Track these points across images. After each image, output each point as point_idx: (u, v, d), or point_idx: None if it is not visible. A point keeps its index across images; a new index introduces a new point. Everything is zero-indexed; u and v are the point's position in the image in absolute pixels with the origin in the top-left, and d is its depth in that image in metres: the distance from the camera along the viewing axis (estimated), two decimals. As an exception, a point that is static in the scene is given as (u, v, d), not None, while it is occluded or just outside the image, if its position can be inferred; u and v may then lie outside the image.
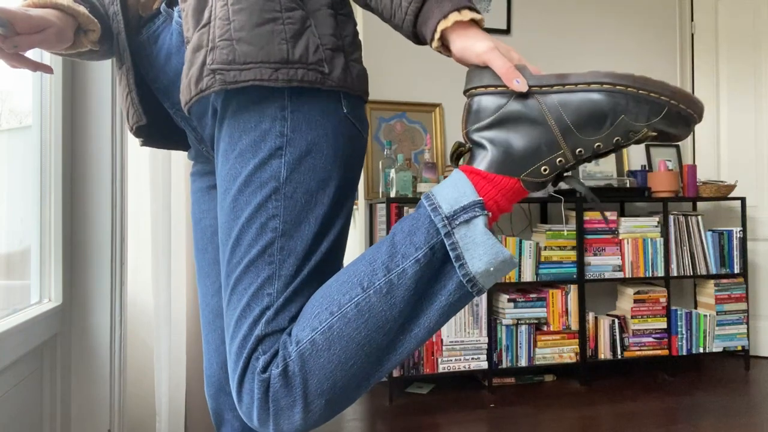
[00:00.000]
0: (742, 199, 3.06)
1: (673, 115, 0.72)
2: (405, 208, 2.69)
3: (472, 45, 0.74)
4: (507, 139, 0.75)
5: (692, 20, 3.49)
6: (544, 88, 0.74)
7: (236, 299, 0.77)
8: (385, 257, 0.75)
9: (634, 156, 3.41)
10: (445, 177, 2.89)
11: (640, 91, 0.71)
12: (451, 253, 0.73)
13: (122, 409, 1.55)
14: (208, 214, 1.01)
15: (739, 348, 3.02)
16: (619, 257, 2.92)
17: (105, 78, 1.49)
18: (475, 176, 0.75)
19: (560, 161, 0.74)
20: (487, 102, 0.76)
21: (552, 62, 3.31)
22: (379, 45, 3.03)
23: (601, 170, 3.31)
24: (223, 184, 0.80)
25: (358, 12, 2.97)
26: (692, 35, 3.50)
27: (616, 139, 0.73)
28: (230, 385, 0.78)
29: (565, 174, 0.77)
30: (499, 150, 0.75)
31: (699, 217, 3.04)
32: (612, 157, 3.34)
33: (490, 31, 3.19)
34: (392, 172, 2.71)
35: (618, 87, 0.71)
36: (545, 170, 0.75)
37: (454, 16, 0.73)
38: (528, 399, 2.62)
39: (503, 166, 0.75)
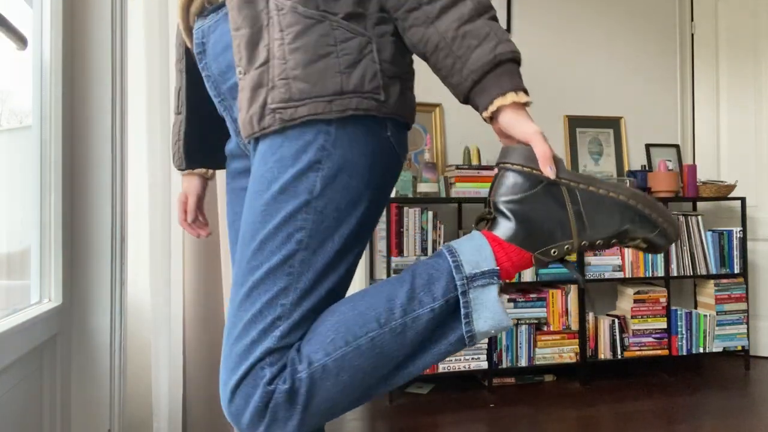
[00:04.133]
0: (742, 199, 3.06)
1: (661, 233, 0.84)
2: (405, 208, 2.69)
3: (522, 124, 0.80)
4: (530, 217, 0.82)
5: (692, 20, 3.49)
6: (572, 183, 0.83)
7: (249, 302, 0.79)
8: (404, 299, 0.79)
9: (634, 156, 3.41)
10: (444, 177, 2.90)
11: (646, 211, 0.83)
12: (462, 309, 0.79)
13: (122, 409, 1.55)
14: (240, 217, 1.01)
15: (739, 348, 3.02)
16: (619, 257, 2.92)
17: (105, 78, 1.49)
18: (497, 246, 0.82)
19: (567, 248, 0.83)
20: (519, 180, 0.82)
21: (552, 62, 3.31)
22: (379, 45, 3.02)
23: (602, 170, 3.31)
24: (255, 185, 0.82)
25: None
26: (692, 35, 3.50)
27: (613, 241, 0.84)
28: (221, 379, 0.79)
29: (566, 258, 0.86)
30: (521, 225, 0.82)
31: (699, 217, 3.03)
32: (612, 157, 3.35)
33: (490, 31, 3.18)
34: (392, 172, 2.71)
35: (631, 202, 0.82)
36: (554, 252, 0.83)
37: (512, 97, 0.79)
38: (528, 399, 2.61)
39: (522, 241, 0.82)
